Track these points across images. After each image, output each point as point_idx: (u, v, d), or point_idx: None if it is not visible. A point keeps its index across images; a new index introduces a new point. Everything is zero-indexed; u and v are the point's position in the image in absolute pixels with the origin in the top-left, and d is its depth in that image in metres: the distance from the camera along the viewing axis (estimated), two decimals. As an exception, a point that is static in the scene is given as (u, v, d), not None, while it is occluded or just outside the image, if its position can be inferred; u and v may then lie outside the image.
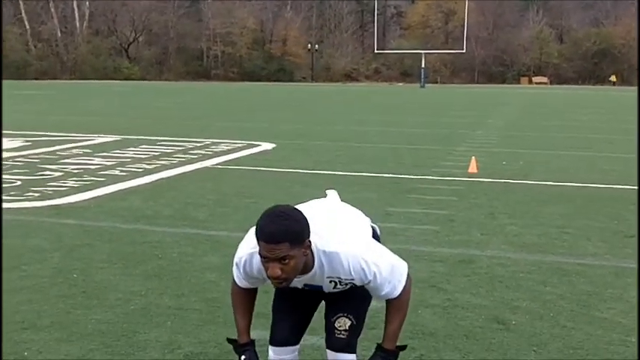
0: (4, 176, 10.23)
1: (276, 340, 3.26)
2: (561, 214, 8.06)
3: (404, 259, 5.81)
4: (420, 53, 71.22)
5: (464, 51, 73.06)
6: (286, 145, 15.02)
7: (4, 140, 15.24)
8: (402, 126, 20.96)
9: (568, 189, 9.87)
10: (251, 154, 13.59)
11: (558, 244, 6.66)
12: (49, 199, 8.57)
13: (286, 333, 3.29)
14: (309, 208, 3.02)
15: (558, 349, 4.15)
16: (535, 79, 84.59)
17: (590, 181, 10.51)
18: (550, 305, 4.90)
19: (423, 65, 68.97)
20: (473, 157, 11.70)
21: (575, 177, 10.89)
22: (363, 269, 2.94)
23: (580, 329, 4.46)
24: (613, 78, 79.76)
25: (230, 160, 12.58)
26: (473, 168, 11.27)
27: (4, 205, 8.14)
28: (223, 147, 14.50)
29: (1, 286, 4.78)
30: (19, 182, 9.74)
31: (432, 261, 5.96)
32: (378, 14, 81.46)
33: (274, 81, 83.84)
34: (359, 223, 3.27)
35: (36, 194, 8.86)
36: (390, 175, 10.90)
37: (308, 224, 2.77)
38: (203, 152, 13.55)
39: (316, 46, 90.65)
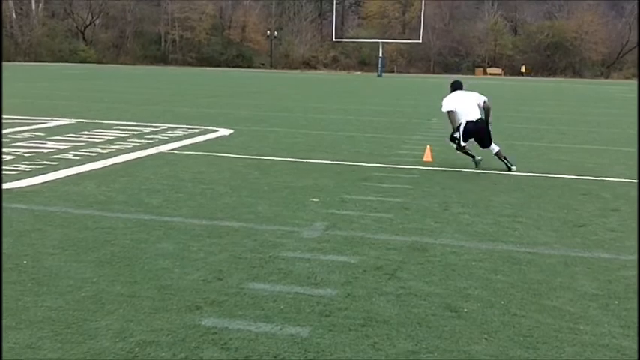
0: (-48, 159, 10.02)
1: None
2: (513, 203, 8.17)
3: (359, 246, 5.87)
4: (378, 43, 71.42)
5: (420, 41, 73.44)
6: (244, 132, 14.94)
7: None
8: (359, 114, 21.01)
9: (520, 179, 10.01)
10: (208, 139, 13.48)
11: (510, 232, 6.76)
12: (0, 183, 8.40)
13: None
14: None
15: (509, 336, 4.21)
16: (489, 70, 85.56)
17: (541, 171, 10.68)
18: (501, 293, 4.98)
19: (380, 55, 69.20)
20: (428, 146, 11.80)
21: (527, 167, 11.04)
22: None
23: (530, 317, 4.53)
24: (523, 69, 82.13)
25: (186, 145, 12.46)
26: (428, 157, 11.36)
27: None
28: (180, 132, 14.36)
29: (1, 287, 4.65)
30: (-32, 166, 9.52)
31: (386, 249, 5.99)
32: (336, 3, 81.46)
33: (233, 67, 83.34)
34: None
35: (-14, 178, 8.67)
36: (347, 163, 10.93)
37: None
38: (159, 137, 13.41)
39: (275, 33, 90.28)
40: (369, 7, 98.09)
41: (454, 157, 11.84)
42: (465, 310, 4.63)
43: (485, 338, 4.18)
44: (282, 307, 4.55)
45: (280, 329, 4.18)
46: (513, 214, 7.58)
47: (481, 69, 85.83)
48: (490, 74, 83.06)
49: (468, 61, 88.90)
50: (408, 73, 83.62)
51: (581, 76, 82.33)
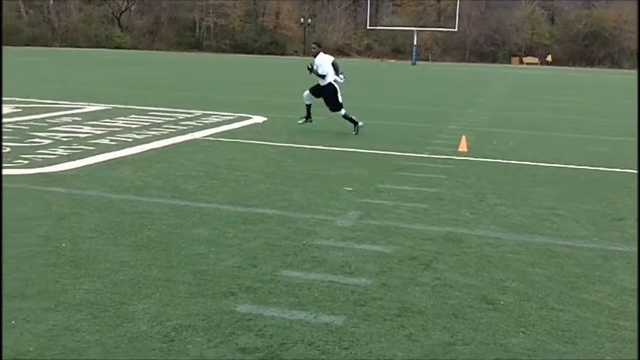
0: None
1: None
2: (550, 195, 8.07)
3: (394, 236, 5.84)
4: (412, 30, 70.96)
5: (456, 29, 72.84)
6: (278, 119, 14.95)
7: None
8: (392, 103, 20.92)
9: (557, 170, 9.88)
10: (242, 126, 13.52)
11: (547, 225, 6.67)
12: (38, 166, 8.50)
13: None
14: None
15: (546, 330, 4.16)
16: (526, 59, 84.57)
17: (579, 163, 10.53)
18: (538, 286, 4.92)
19: (415, 42, 68.77)
20: (463, 136, 11.71)
21: (565, 159, 10.90)
22: None
23: (568, 311, 4.47)
24: (549, 58, 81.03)
25: (221, 132, 12.51)
26: (463, 147, 11.27)
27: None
28: (214, 119, 14.42)
29: (1, 288, 4.72)
30: (8, 149, 9.65)
31: (421, 239, 5.95)
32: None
33: (266, 54, 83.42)
34: None
35: (25, 161, 8.78)
36: (381, 152, 10.88)
37: None
38: (194, 124, 13.47)
39: (309, 20, 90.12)
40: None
41: (491, 147, 11.75)
42: (502, 302, 4.58)
43: (523, 332, 4.13)
44: (316, 295, 4.55)
45: (315, 317, 4.18)
46: (551, 206, 7.49)
47: (517, 58, 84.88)
48: (527, 64, 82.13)
49: (505, 49, 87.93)
50: (443, 61, 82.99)
51: (619, 67, 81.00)
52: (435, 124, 15.14)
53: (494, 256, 5.60)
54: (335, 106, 13.11)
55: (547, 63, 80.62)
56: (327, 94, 13.07)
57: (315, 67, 12.97)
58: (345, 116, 13.03)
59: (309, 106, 13.34)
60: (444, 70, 54.38)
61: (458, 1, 70.76)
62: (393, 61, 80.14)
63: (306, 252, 5.46)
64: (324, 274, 4.96)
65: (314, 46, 13.62)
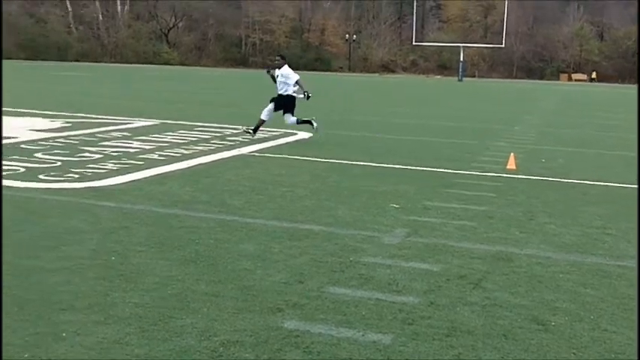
0: (46, 156, 10.37)
1: None
2: (601, 214, 7.91)
3: (442, 254, 5.78)
4: (459, 46, 70.63)
5: (503, 45, 72.24)
6: (323, 135, 14.96)
7: (46, 120, 15.45)
8: (439, 119, 20.80)
9: (608, 189, 9.70)
10: (288, 142, 13.58)
11: (598, 245, 6.54)
12: (89, 180, 8.64)
13: None
14: None
15: (599, 353, 4.06)
16: (574, 75, 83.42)
17: (630, 182, 10.30)
18: (590, 307, 4.81)
19: (461, 58, 68.41)
20: (512, 154, 11.56)
21: (615, 177, 10.70)
22: None
23: (621, 333, 4.37)
24: (594, 75, 79.80)
25: (267, 147, 12.58)
26: (511, 164, 11.13)
27: (46, 185, 8.24)
28: (260, 134, 14.49)
29: (1, 288, 4.78)
30: (59, 163, 9.84)
31: (470, 257, 5.88)
32: (417, 6, 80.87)
33: (311, 70, 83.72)
34: None
35: (75, 175, 8.94)
36: (427, 169, 10.81)
37: None
38: (240, 139, 13.57)
39: (354, 36, 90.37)
40: (449, 10, 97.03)
41: (539, 165, 11.60)
42: (553, 323, 4.49)
43: (574, 353, 4.04)
44: (363, 313, 4.52)
45: (362, 335, 4.15)
46: (602, 225, 7.34)
47: (566, 75, 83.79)
48: (575, 80, 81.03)
49: (552, 66, 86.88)
50: (490, 77, 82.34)
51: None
52: (482, 141, 15.00)
53: (545, 275, 5.50)
54: (291, 112, 13.94)
55: (592, 80, 79.56)
56: (287, 102, 13.91)
57: (281, 78, 13.89)
58: (297, 122, 13.91)
59: (263, 122, 13.98)
60: (491, 87, 53.95)
61: (505, 17, 70.27)
62: (439, 77, 79.83)
63: (353, 269, 5.43)
64: (371, 291, 4.93)
65: (278, 58, 14.30)
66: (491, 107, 28.20)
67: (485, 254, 6.03)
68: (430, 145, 14.13)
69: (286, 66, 14.02)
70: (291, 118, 13.90)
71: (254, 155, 11.62)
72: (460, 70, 67.35)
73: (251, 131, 13.97)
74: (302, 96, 14.05)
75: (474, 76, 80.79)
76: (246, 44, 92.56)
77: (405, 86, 47.04)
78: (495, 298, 4.93)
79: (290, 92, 13.96)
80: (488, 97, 37.86)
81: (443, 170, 10.72)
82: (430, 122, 19.64)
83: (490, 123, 20.14)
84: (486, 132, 17.33)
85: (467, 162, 11.67)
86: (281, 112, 13.98)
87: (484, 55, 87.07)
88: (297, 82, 13.91)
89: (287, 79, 13.90)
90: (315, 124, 14.17)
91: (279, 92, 14.01)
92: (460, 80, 65.01)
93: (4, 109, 17.76)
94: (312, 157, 11.58)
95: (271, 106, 13.94)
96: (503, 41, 70.76)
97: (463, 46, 70.36)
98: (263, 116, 13.92)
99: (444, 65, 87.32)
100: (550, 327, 4.43)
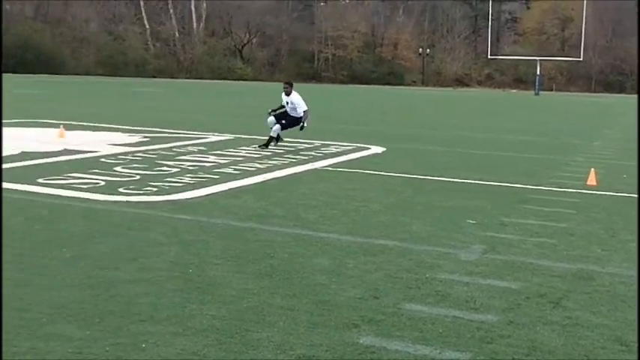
0: (125, 170, 10.64)
1: None
2: (688, 232, 7.61)
3: (520, 272, 5.65)
4: (535, 60, 69.48)
5: (581, 59, 70.76)
6: (396, 149, 14.91)
7: (125, 135, 15.87)
8: (515, 133, 20.47)
9: (695, 206, 9.32)
10: (361, 156, 13.56)
11: (686, 264, 6.28)
12: (166, 194, 8.81)
13: None
14: None
15: (689, 377, 3.89)
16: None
17: None
18: (678, 329, 4.62)
19: (538, 72, 67.28)
20: (592, 169, 11.24)
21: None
22: None
23: None
24: None
25: (340, 162, 12.59)
26: (592, 180, 10.83)
27: (125, 197, 8.45)
28: (333, 149, 14.54)
29: (1, 288, 4.87)
30: (138, 177, 10.07)
31: (549, 276, 5.73)
32: (492, 19, 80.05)
33: (384, 84, 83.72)
34: None
35: (154, 189, 9.13)
36: (504, 184, 10.63)
37: None
38: (314, 154, 13.63)
39: (427, 50, 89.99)
40: (526, 23, 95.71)
41: (621, 181, 11.27)
42: (637, 344, 4.33)
43: (662, 377, 3.88)
44: (440, 330, 4.45)
45: (440, 353, 4.08)
46: (689, 244, 7.06)
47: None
48: (656, 94, 78.58)
49: (633, 79, 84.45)
50: (568, 91, 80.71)
51: None
52: (560, 156, 14.67)
53: (628, 295, 5.32)
54: (284, 127, 14.30)
55: None
56: (291, 120, 14.35)
57: (290, 105, 14.39)
58: (277, 137, 14.21)
59: (278, 137, 14.28)
60: (569, 101, 52.83)
61: (583, 30, 68.83)
62: (515, 91, 78.68)
63: (430, 285, 5.36)
64: (448, 308, 4.85)
65: (287, 85, 14.71)
66: (569, 121, 27.59)
67: (565, 272, 5.87)
68: (506, 159, 13.90)
69: (295, 93, 14.41)
70: (276, 126, 14.13)
71: (327, 170, 11.64)
72: (537, 83, 66.25)
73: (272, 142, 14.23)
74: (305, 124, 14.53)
75: (551, 90, 79.30)
76: (318, 59, 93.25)
77: (480, 100, 46.51)
78: (576, 317, 4.78)
79: (299, 115, 14.35)
80: (565, 111, 37.07)
81: (520, 185, 10.52)
82: (505, 136, 19.33)
83: (568, 137, 19.69)
84: (565, 147, 16.95)
85: (544, 177, 11.42)
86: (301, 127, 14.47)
87: (561, 69, 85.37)
88: (304, 112, 14.39)
89: (297, 106, 14.42)
90: (276, 142, 14.34)
91: (289, 113, 14.41)
92: (537, 94, 63.93)
93: (84, 124, 18.37)
94: (385, 171, 11.53)
95: (272, 119, 14.29)
96: (581, 54, 69.30)
97: (540, 60, 69.18)
98: (273, 133, 14.16)
99: (520, 79, 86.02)
100: (634, 348, 4.27)
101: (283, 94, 14.61)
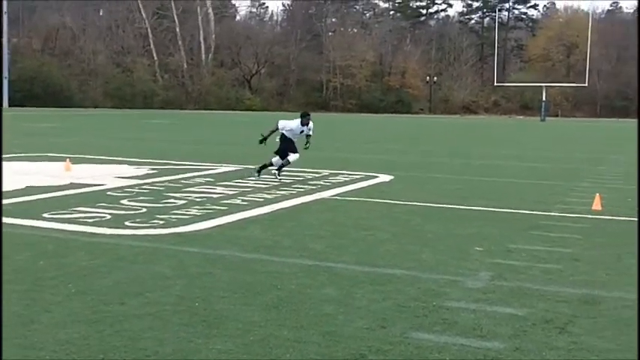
0: (131, 203, 10.69)
1: None
2: (696, 256, 7.59)
3: (527, 298, 5.65)
4: (541, 86, 69.66)
5: (586, 84, 70.90)
6: (404, 178, 14.95)
7: (132, 168, 15.97)
8: (522, 160, 20.48)
9: None
10: (369, 185, 13.60)
11: (693, 288, 6.26)
12: (173, 226, 8.85)
13: None
14: None
15: (696, 403, 3.88)
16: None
17: None
18: (686, 355, 4.61)
19: (543, 98, 67.45)
20: (597, 195, 11.24)
21: None
22: None
23: None
24: None
25: (348, 191, 12.62)
26: (597, 205, 10.84)
27: (131, 231, 8.49)
28: (341, 178, 14.58)
29: (1, 288, 4.88)
30: (144, 209, 10.12)
31: (555, 301, 5.73)
32: (498, 47, 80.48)
33: (392, 112, 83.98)
34: None
35: (160, 221, 9.16)
36: (511, 211, 10.63)
37: None
38: (321, 183, 13.68)
39: (435, 78, 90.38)
40: (531, 50, 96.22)
41: (626, 205, 11.26)
42: (644, 369, 4.32)
43: (670, 404, 3.87)
44: (447, 358, 4.45)
45: (446, 382, 4.08)
46: (696, 268, 7.04)
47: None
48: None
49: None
50: (574, 117, 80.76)
51: None
52: (567, 182, 14.67)
53: (633, 319, 5.31)
54: (292, 151, 14.52)
55: None
56: (290, 143, 14.64)
57: (312, 133, 14.92)
58: (282, 165, 14.34)
59: (286, 164, 14.45)
60: (574, 126, 52.85)
61: (588, 56, 69.04)
62: (521, 117, 78.77)
63: (437, 313, 5.37)
64: (455, 336, 4.85)
65: (308, 116, 14.86)
66: (574, 147, 27.60)
67: (571, 297, 5.87)
68: (513, 186, 13.91)
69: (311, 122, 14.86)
70: (275, 159, 14.45)
71: (335, 199, 11.68)
72: (542, 109, 66.37)
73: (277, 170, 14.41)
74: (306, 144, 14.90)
75: (557, 116, 79.39)
76: (327, 88, 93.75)
77: (487, 127, 46.58)
78: (582, 342, 4.78)
79: (296, 137, 14.76)
80: (571, 136, 37.09)
81: (526, 212, 10.52)
82: (512, 163, 19.35)
83: (574, 163, 19.70)
84: (570, 172, 16.95)
85: (551, 203, 11.43)
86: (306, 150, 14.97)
87: (567, 95, 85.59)
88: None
89: (310, 130, 14.88)
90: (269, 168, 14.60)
91: (287, 136, 14.70)
92: (543, 120, 64.01)
93: (91, 156, 18.49)
94: (392, 199, 11.56)
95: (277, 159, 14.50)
96: (587, 80, 69.43)
97: (545, 86, 69.34)
98: (285, 161, 14.39)
99: (527, 105, 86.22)
100: (642, 375, 4.27)
101: (299, 123, 14.70)
